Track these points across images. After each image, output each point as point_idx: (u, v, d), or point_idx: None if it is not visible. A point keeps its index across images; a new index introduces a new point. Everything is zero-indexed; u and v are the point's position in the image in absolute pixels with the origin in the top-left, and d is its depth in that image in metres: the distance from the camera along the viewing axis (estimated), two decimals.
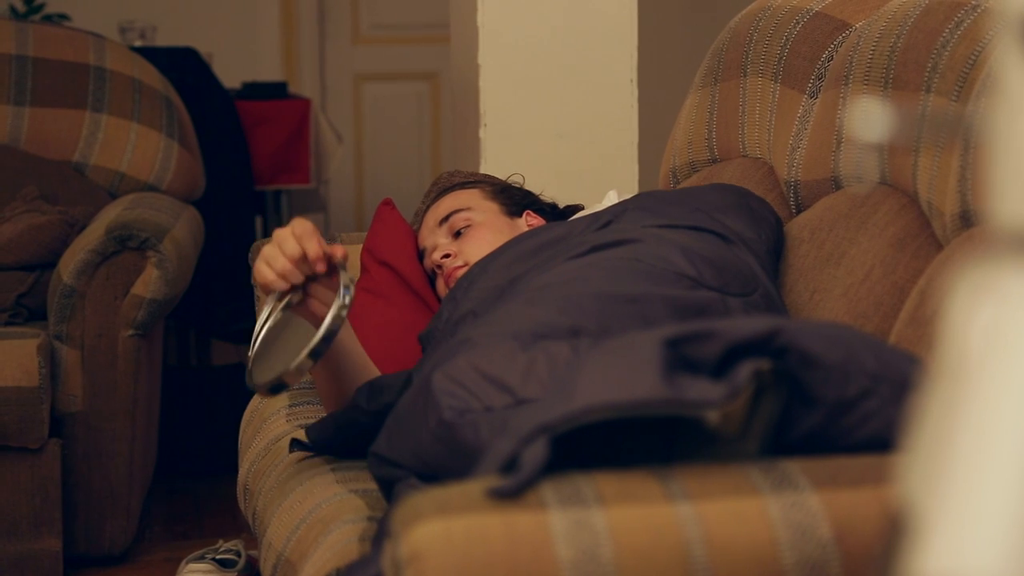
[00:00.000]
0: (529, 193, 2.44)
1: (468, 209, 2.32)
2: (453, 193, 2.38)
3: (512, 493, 1.23)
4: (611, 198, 2.45)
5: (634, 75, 3.13)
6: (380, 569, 1.42)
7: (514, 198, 2.39)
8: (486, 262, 1.99)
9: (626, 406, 1.26)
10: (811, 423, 1.36)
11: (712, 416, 1.26)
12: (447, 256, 2.27)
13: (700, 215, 1.95)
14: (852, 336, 1.42)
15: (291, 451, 2.05)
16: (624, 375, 1.29)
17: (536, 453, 1.26)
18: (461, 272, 2.23)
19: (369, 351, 2.24)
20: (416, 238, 2.40)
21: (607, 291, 1.71)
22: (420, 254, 2.36)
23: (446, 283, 2.26)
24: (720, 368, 1.33)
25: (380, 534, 1.59)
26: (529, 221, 2.35)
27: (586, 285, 1.74)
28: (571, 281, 1.76)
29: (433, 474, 1.57)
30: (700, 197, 2.03)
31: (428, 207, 2.39)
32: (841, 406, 1.36)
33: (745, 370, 1.28)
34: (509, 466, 1.29)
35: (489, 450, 1.36)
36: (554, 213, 2.41)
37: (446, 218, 2.31)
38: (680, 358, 1.33)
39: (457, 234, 2.30)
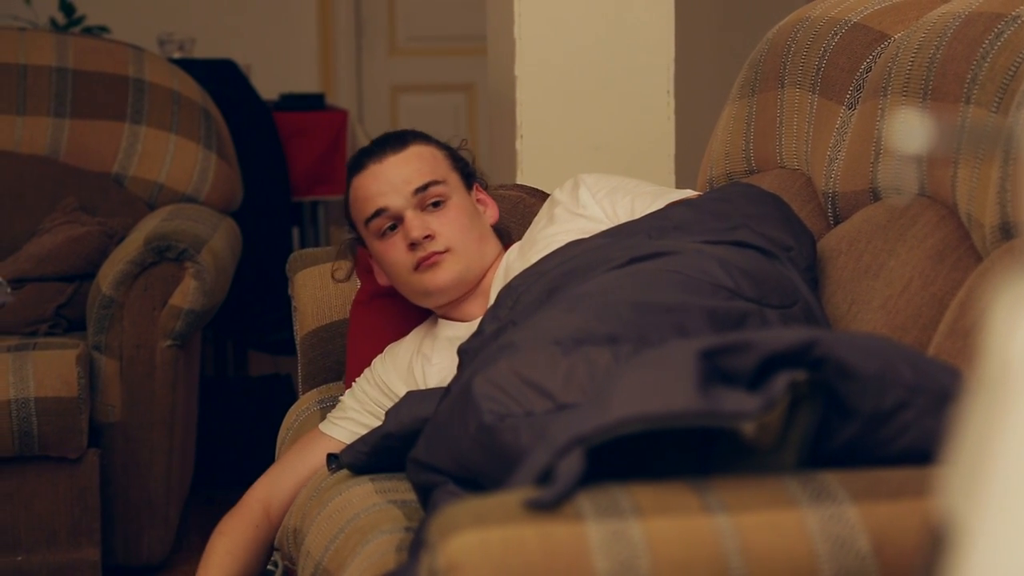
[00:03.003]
0: (469, 164, 2.30)
1: (444, 183, 2.19)
2: (419, 148, 2.22)
3: (550, 505, 1.23)
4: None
5: (671, 86, 3.12)
6: None
7: (465, 168, 2.27)
8: (528, 276, 1.97)
9: (661, 418, 1.26)
10: (848, 434, 1.35)
11: (748, 428, 1.26)
12: (428, 237, 2.15)
13: (743, 230, 1.93)
14: (889, 348, 1.41)
15: (329, 468, 2.06)
16: (659, 387, 1.28)
17: (572, 465, 1.26)
18: (444, 258, 2.14)
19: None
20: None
21: (644, 300, 1.71)
22: (371, 213, 2.18)
23: (423, 262, 2.15)
24: (756, 379, 1.32)
25: (416, 544, 1.59)
26: (478, 196, 2.27)
27: (624, 294, 1.74)
28: (609, 290, 1.76)
29: (472, 479, 1.57)
30: (740, 208, 2.01)
31: (387, 152, 2.21)
32: (878, 417, 1.35)
33: (781, 381, 1.27)
34: (544, 477, 1.28)
35: (528, 456, 1.36)
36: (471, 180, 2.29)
37: (423, 188, 2.16)
38: (716, 370, 1.32)
39: (430, 205, 2.17)
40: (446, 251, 2.15)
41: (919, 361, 1.40)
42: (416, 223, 2.14)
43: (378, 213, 2.17)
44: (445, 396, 1.72)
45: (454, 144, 2.31)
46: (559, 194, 2.22)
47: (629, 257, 1.86)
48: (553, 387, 1.52)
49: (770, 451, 1.31)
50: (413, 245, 2.15)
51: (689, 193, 2.16)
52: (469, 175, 2.27)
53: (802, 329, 1.55)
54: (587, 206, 2.16)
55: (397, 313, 2.35)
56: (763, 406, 1.25)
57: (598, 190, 2.18)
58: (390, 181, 2.17)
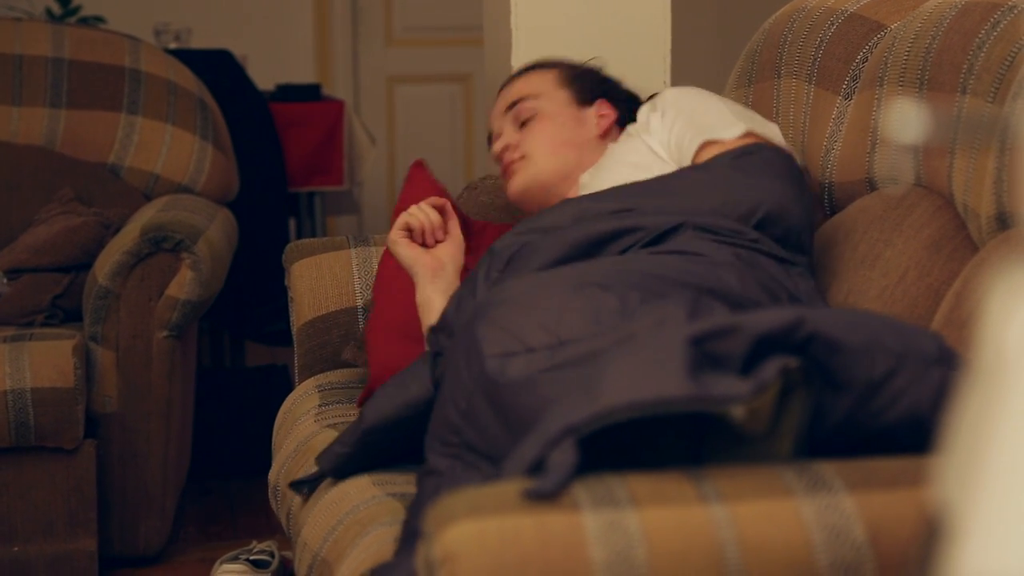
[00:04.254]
0: (606, 80, 2.39)
1: (536, 97, 2.30)
2: (527, 76, 2.37)
3: (548, 494, 1.23)
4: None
5: (667, 77, 3.12)
6: (410, 569, 1.42)
7: (587, 85, 2.35)
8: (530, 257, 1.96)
9: (651, 404, 1.26)
10: (843, 409, 1.36)
11: (738, 412, 1.26)
12: (507, 148, 2.28)
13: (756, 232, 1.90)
14: (873, 319, 1.43)
15: (300, 494, 2.04)
16: (649, 373, 1.29)
17: (564, 455, 1.26)
18: (519, 165, 2.25)
19: (392, 313, 2.25)
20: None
21: (654, 272, 1.70)
22: (488, 137, 2.37)
23: (503, 174, 2.30)
24: (747, 364, 1.33)
25: (407, 535, 1.59)
26: (600, 111, 2.32)
27: (632, 264, 1.74)
28: (616, 263, 1.76)
29: (478, 441, 1.57)
30: (761, 186, 1.95)
31: (503, 86, 2.38)
32: (870, 388, 1.36)
33: (772, 367, 1.27)
34: (535, 469, 1.29)
35: (533, 392, 1.36)
36: (630, 103, 2.35)
37: (512, 104, 2.31)
38: (706, 355, 1.32)
39: (524, 124, 2.29)
40: (521, 158, 2.26)
41: (902, 329, 1.42)
42: (500, 137, 2.30)
43: (489, 138, 2.36)
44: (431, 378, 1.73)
45: (591, 62, 2.43)
46: (645, 106, 2.24)
47: (642, 246, 1.86)
48: (552, 322, 1.53)
49: (763, 439, 1.31)
50: (499, 159, 2.30)
51: (733, 134, 2.07)
52: (590, 91, 2.33)
53: (789, 309, 1.55)
54: (655, 131, 2.16)
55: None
56: (753, 390, 1.25)
57: (667, 111, 2.17)
58: (496, 107, 2.36)
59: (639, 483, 1.25)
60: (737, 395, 1.25)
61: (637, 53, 3.11)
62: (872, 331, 1.39)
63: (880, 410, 1.37)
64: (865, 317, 1.44)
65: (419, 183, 2.41)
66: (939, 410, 1.36)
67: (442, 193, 2.36)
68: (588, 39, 3.10)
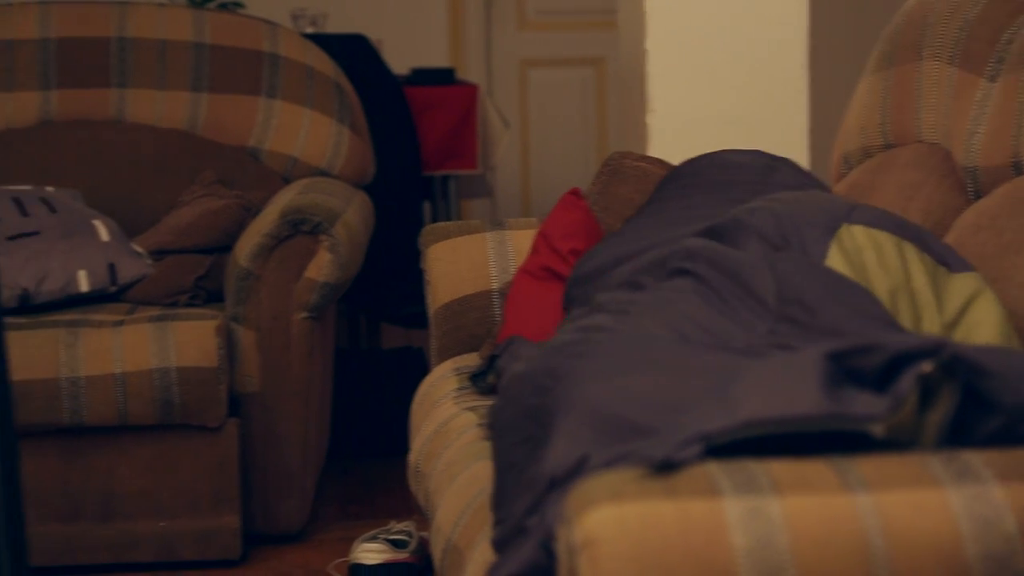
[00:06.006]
0: None
1: None
2: None
3: (677, 463, 1.24)
4: None
5: (805, 59, 3.09)
6: (518, 567, 1.42)
7: None
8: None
9: (789, 421, 1.26)
10: (991, 428, 1.33)
11: (877, 429, 1.25)
12: None
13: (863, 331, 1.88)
14: (1013, 352, 1.40)
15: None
16: (786, 389, 1.28)
17: (691, 459, 1.27)
18: None
19: (527, 333, 2.26)
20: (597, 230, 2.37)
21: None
22: None
23: None
24: (883, 377, 1.31)
25: (515, 526, 1.55)
26: None
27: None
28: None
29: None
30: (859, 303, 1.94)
31: None
32: (1021, 410, 1.33)
33: (907, 378, 1.26)
34: (660, 468, 1.28)
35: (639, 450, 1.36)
36: None
37: None
38: (842, 371, 1.31)
39: None
40: None
41: None
42: None
43: None
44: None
45: None
46: None
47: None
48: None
49: (905, 445, 1.29)
50: None
51: None
52: None
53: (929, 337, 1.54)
54: None
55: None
56: (891, 407, 1.24)
57: None
58: None
59: (781, 470, 1.25)
60: (876, 414, 1.24)
61: (774, 35, 3.08)
62: (1014, 361, 1.36)
63: None
64: (1006, 349, 1.41)
65: (570, 210, 2.40)
66: None
67: (594, 226, 2.35)
68: (724, 21, 3.08)
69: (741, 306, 1.72)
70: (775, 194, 1.98)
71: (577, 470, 1.41)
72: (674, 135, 3.08)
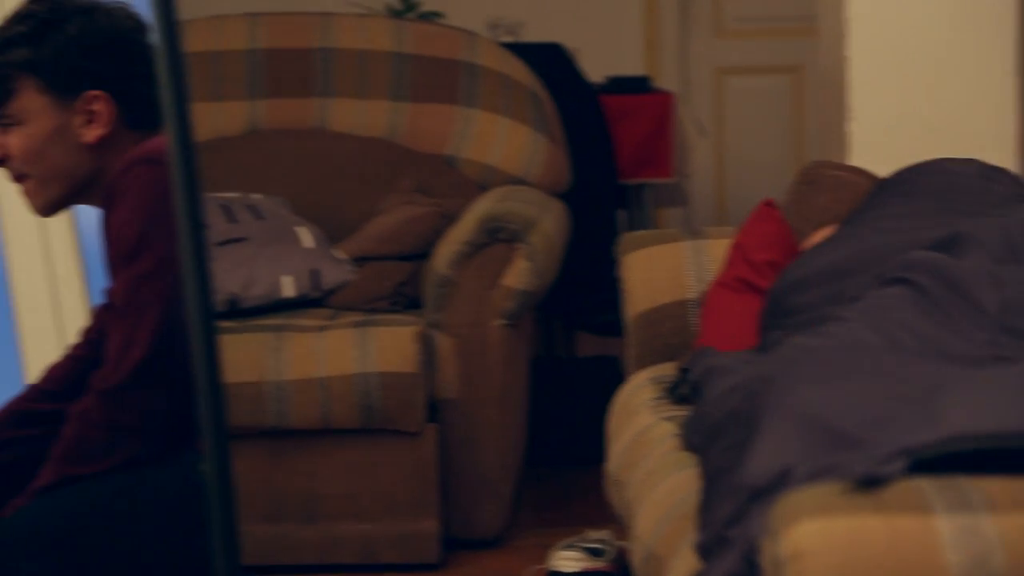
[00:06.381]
0: None
1: None
2: None
3: (880, 481, 1.22)
4: None
5: (1012, 65, 3.01)
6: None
7: None
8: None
9: (996, 437, 1.23)
10: None
11: None
12: None
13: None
14: None
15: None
16: (998, 403, 1.25)
17: (894, 474, 1.24)
18: None
19: (722, 344, 2.24)
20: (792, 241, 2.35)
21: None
22: None
23: None
24: None
25: (716, 536, 1.55)
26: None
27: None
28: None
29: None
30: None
31: None
32: None
33: None
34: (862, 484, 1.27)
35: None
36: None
37: None
38: None
39: None
40: None
41: None
42: None
43: None
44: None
45: None
46: None
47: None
48: None
49: None
50: None
51: None
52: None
53: None
54: None
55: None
56: None
57: None
58: None
59: (994, 487, 1.22)
60: None
61: (980, 41, 3.01)
62: None
63: None
64: None
65: (765, 221, 2.38)
66: None
67: (789, 236, 2.33)
68: (927, 27, 3.02)
69: (960, 315, 1.69)
70: (1001, 209, 1.94)
71: (780, 482, 1.40)
72: (876, 144, 3.03)
